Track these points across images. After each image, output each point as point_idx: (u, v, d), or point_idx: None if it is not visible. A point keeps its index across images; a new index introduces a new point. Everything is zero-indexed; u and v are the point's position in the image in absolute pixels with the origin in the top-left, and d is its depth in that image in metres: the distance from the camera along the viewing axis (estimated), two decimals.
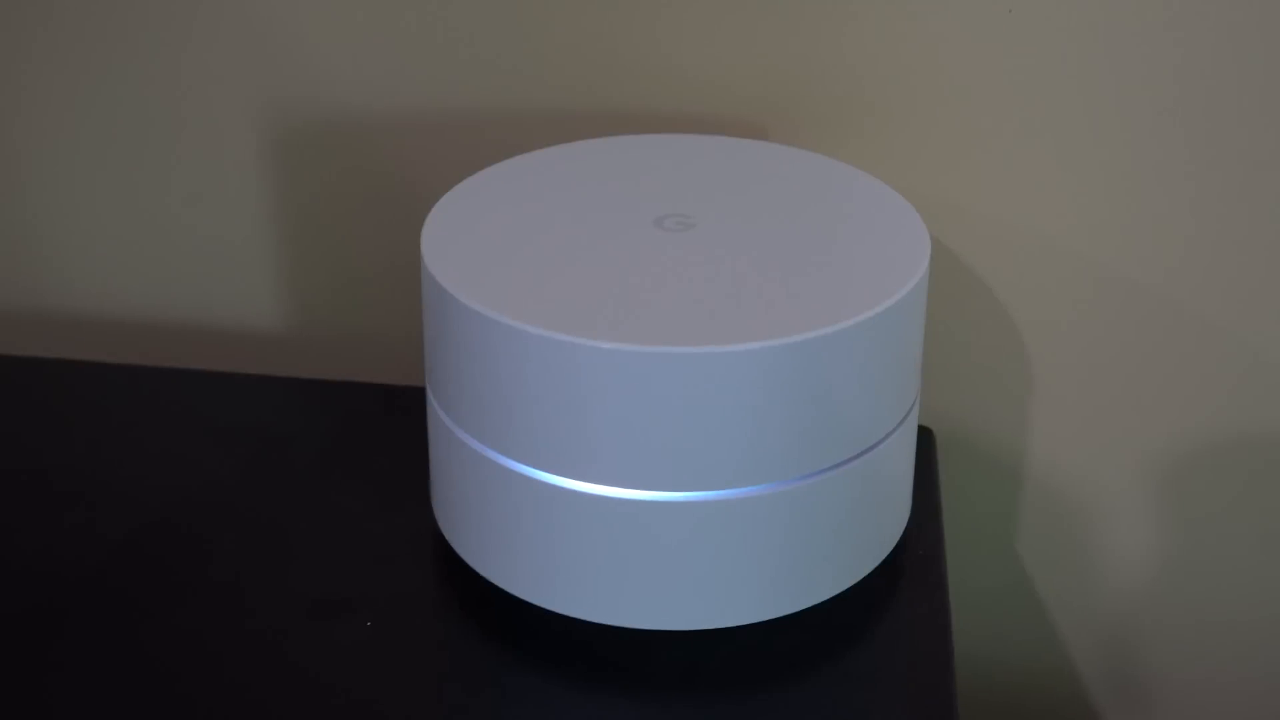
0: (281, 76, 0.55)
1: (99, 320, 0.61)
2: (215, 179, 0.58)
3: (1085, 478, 0.57)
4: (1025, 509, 0.58)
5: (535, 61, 0.53)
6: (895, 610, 0.44)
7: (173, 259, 0.60)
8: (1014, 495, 0.58)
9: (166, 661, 0.42)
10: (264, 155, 0.57)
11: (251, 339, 0.61)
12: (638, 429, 0.38)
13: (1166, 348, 0.54)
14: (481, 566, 0.43)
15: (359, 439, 0.52)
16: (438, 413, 0.43)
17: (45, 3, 0.56)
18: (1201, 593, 0.58)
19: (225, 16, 0.55)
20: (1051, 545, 0.58)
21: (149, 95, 0.57)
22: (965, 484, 0.57)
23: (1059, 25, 0.49)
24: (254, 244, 0.59)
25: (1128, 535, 0.57)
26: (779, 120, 0.53)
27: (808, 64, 0.52)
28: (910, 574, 0.45)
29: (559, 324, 0.38)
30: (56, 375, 0.56)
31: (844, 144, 0.52)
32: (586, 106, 0.54)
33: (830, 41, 0.51)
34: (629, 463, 0.39)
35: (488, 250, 0.42)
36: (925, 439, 0.52)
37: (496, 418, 0.40)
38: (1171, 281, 0.53)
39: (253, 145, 0.57)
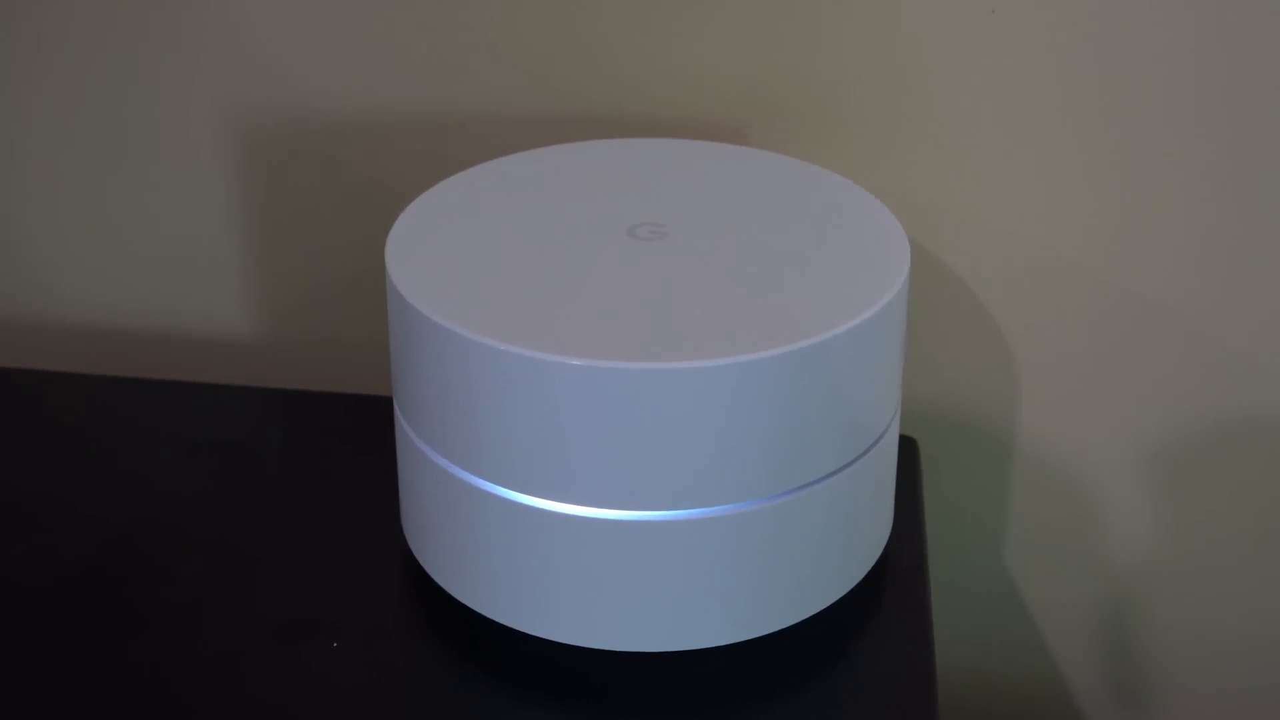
0: (252, 81, 0.54)
1: (66, 328, 0.60)
2: (184, 185, 0.57)
3: (1072, 481, 0.56)
4: (1011, 514, 0.57)
5: (509, 64, 0.52)
6: (877, 627, 0.43)
7: (140, 265, 0.59)
8: (1000, 500, 0.57)
9: (134, 679, 0.41)
10: (234, 160, 0.56)
11: (221, 347, 0.60)
12: (610, 447, 0.37)
13: (1153, 349, 0.53)
14: (451, 587, 0.42)
15: (328, 452, 0.51)
16: (405, 430, 0.42)
17: (16, 14, 0.55)
18: (1192, 597, 0.57)
19: (196, 23, 0.54)
20: (1041, 550, 0.58)
21: (117, 101, 0.56)
22: (949, 490, 0.57)
23: (1042, 26, 0.49)
24: (224, 250, 0.58)
25: (1118, 540, 0.57)
26: (759, 123, 0.52)
27: (789, 67, 0.51)
28: (892, 589, 0.44)
29: (528, 340, 0.37)
30: (17, 385, 0.55)
31: (825, 147, 0.52)
32: (561, 110, 0.53)
33: (811, 45, 0.50)
34: (602, 481, 0.38)
35: (454, 261, 0.41)
36: (908, 448, 0.51)
37: (465, 436, 0.39)
38: (1157, 282, 0.52)
39: (223, 150, 0.56)
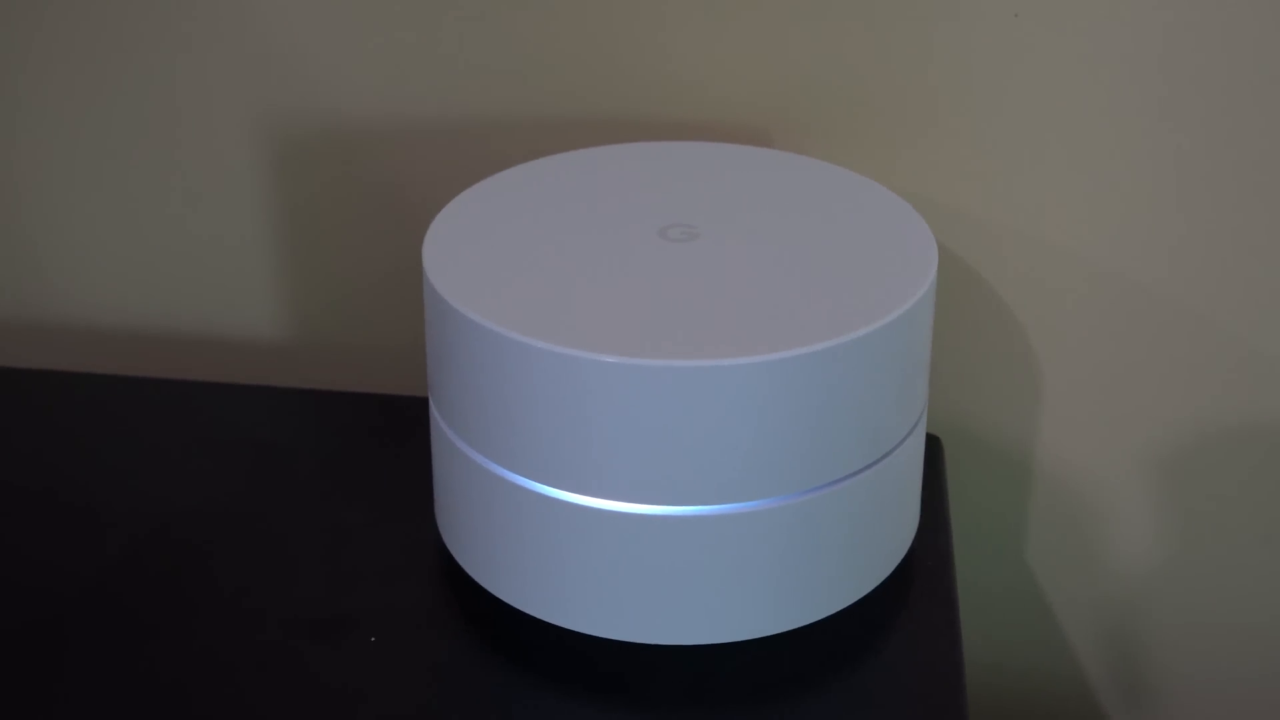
0: (280, 86, 0.55)
1: (98, 331, 0.61)
2: (214, 189, 0.57)
3: (1094, 481, 0.56)
4: (1033, 513, 0.57)
5: (537, 69, 0.53)
6: (904, 623, 0.43)
7: (172, 269, 0.59)
8: (1022, 499, 0.57)
9: (172, 676, 0.41)
10: (263, 165, 0.57)
11: (253, 349, 0.60)
12: (643, 443, 0.38)
13: (1175, 351, 0.53)
14: (485, 580, 0.43)
15: (361, 451, 0.51)
16: (441, 426, 0.42)
17: (40, 13, 0.55)
18: (1211, 593, 0.57)
19: (224, 27, 0.54)
20: (1060, 548, 0.58)
21: (147, 105, 0.56)
22: (973, 488, 0.57)
23: (1065, 29, 0.49)
24: (254, 253, 0.58)
25: (1137, 537, 0.57)
26: (784, 127, 0.52)
27: (813, 70, 0.51)
28: (919, 586, 0.45)
29: (563, 338, 0.38)
30: (57, 387, 0.56)
31: (850, 150, 0.52)
32: (589, 114, 0.53)
33: (836, 47, 0.51)
34: (635, 477, 0.38)
35: (490, 262, 0.42)
36: (933, 447, 0.51)
37: (500, 432, 0.40)
38: (1179, 286, 0.52)
39: (252, 155, 0.56)
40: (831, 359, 0.38)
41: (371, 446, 0.52)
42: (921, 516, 0.46)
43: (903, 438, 0.42)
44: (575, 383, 0.38)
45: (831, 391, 0.38)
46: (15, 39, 0.56)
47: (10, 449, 0.52)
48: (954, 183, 0.52)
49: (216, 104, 0.56)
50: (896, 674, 0.41)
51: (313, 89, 0.55)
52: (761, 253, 0.42)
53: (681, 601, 0.40)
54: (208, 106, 0.56)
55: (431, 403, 0.43)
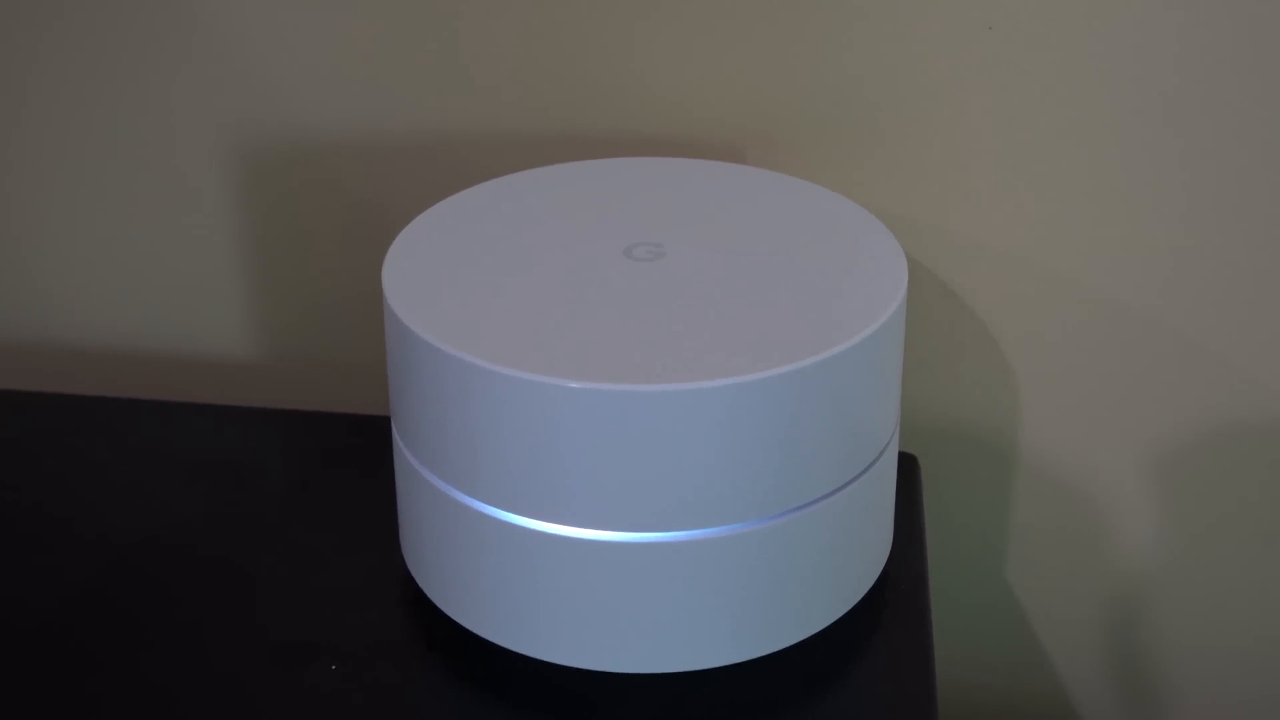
0: (248, 104, 0.54)
1: (62, 349, 0.60)
2: (181, 206, 0.57)
3: (1073, 493, 0.56)
4: (1015, 530, 0.57)
5: (505, 84, 0.52)
6: (877, 648, 0.43)
7: (140, 288, 0.59)
8: (1002, 514, 0.57)
9: (126, 708, 0.41)
10: (230, 182, 0.56)
11: (219, 368, 0.60)
12: (609, 469, 0.37)
13: (1152, 361, 0.53)
14: (450, 608, 0.42)
15: (328, 472, 0.51)
16: (404, 453, 0.42)
17: (13, 34, 0.55)
18: (1195, 609, 0.57)
19: (193, 47, 0.54)
20: (1044, 566, 0.58)
21: (115, 124, 0.56)
22: (954, 506, 0.56)
23: (1039, 43, 0.49)
24: (221, 271, 0.58)
25: (1122, 554, 0.57)
26: (757, 143, 0.52)
27: (785, 85, 0.51)
28: (893, 609, 0.44)
29: (526, 363, 0.37)
30: (19, 407, 0.55)
31: (822, 165, 0.51)
32: (562, 130, 0.53)
33: (808, 62, 0.50)
34: (600, 503, 0.38)
35: (452, 284, 0.41)
36: (908, 466, 0.51)
37: (463, 458, 0.39)
38: (1155, 295, 0.52)
39: (219, 172, 0.56)
40: (799, 381, 0.37)
41: (340, 468, 0.51)
42: (896, 537, 0.46)
43: (875, 457, 0.41)
44: (539, 409, 0.37)
45: (800, 414, 0.38)
46: None
47: None
48: (927, 198, 0.52)
49: (184, 122, 0.55)
50: (869, 700, 0.41)
51: (281, 107, 0.54)
52: (728, 271, 0.42)
53: (649, 629, 0.39)
54: (175, 124, 0.55)
55: (394, 429, 0.43)
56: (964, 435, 0.56)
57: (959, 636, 0.58)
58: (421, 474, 0.41)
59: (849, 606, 0.42)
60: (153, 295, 0.59)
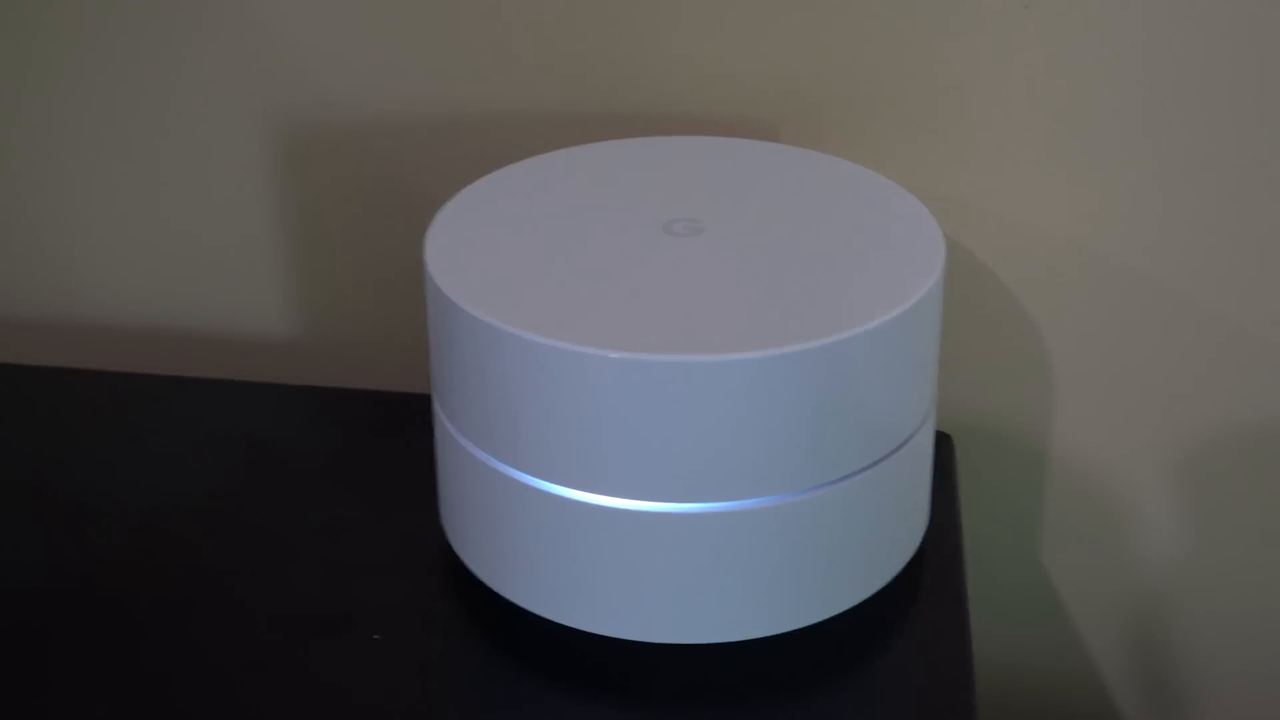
0: (284, 82, 0.55)
1: (101, 328, 0.61)
2: (217, 185, 0.57)
3: (1110, 476, 0.56)
4: (1049, 510, 0.57)
5: (541, 63, 0.53)
6: (913, 622, 0.43)
7: (175, 266, 0.59)
8: (1038, 496, 0.57)
9: (166, 675, 0.41)
10: (266, 161, 0.56)
11: (256, 346, 0.60)
12: (648, 440, 0.37)
13: (1189, 343, 0.53)
14: (489, 578, 0.42)
15: (364, 448, 0.51)
16: (444, 424, 0.42)
17: (44, 12, 0.55)
18: (1231, 590, 0.57)
19: (227, 24, 0.54)
20: (1076, 545, 0.57)
21: (150, 101, 0.56)
22: (988, 486, 0.56)
23: (1075, 21, 0.49)
24: (257, 250, 0.58)
25: (1154, 533, 0.57)
26: (792, 120, 0.52)
27: (821, 63, 0.51)
28: (929, 585, 0.44)
29: (567, 334, 0.37)
30: (58, 383, 0.56)
31: (857, 144, 0.51)
32: (594, 108, 0.53)
33: (843, 40, 0.50)
34: (639, 474, 0.38)
35: (493, 258, 0.41)
36: (943, 444, 0.51)
37: (504, 429, 0.39)
38: (1193, 276, 0.52)
39: (254, 151, 0.56)
40: (839, 353, 0.37)
41: (375, 443, 0.51)
42: (932, 514, 0.46)
43: (911, 434, 0.41)
44: (578, 379, 0.37)
45: (839, 386, 0.38)
46: (18, 39, 0.56)
47: (9, 445, 0.52)
48: (964, 177, 0.52)
49: (220, 101, 0.56)
50: (904, 673, 0.41)
51: (316, 85, 0.55)
52: (766, 247, 0.42)
53: (686, 600, 0.39)
54: (211, 103, 0.56)
55: (435, 399, 0.43)
56: (998, 418, 0.56)
57: (988, 615, 0.58)
58: (461, 444, 0.41)
59: (883, 583, 0.42)
60: (188, 275, 0.59)
